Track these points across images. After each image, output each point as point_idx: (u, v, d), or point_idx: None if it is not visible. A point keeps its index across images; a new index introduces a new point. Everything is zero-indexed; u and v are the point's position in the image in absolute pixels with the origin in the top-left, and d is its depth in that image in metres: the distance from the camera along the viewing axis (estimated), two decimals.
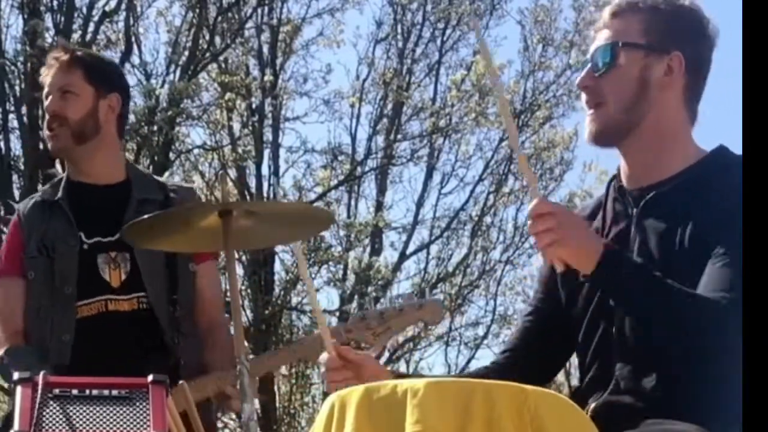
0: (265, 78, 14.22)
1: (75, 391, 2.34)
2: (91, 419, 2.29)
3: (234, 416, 10.24)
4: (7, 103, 12.67)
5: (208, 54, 13.87)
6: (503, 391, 1.98)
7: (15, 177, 12.72)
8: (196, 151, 14.46)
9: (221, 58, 14.26)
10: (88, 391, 2.34)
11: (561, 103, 15.79)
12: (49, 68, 3.60)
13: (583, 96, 2.61)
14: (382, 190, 15.52)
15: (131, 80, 13.11)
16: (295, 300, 14.91)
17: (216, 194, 13.63)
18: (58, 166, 3.83)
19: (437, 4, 15.60)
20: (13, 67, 12.64)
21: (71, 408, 2.30)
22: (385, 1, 15.63)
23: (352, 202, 15.44)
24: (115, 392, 2.34)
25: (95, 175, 3.57)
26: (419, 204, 15.46)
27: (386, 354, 15.16)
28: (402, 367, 15.88)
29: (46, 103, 3.59)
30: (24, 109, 12.50)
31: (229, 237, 2.64)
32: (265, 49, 14.64)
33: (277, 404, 14.90)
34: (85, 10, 13.09)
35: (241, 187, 14.54)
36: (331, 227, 12.99)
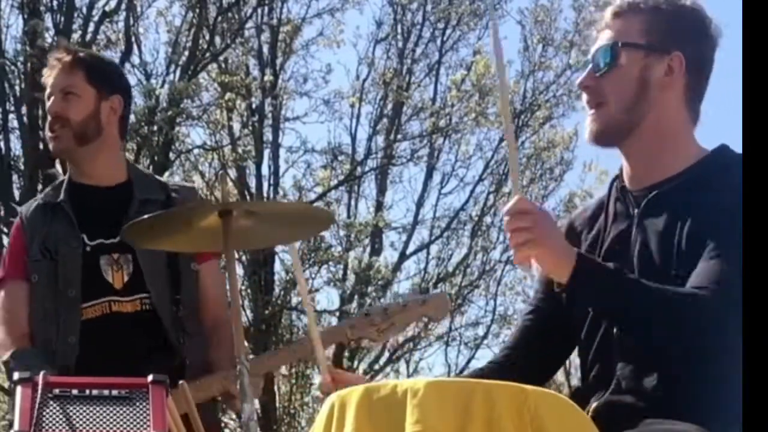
0: (265, 78, 14.23)
1: (75, 391, 2.34)
2: (91, 419, 2.29)
3: (234, 416, 10.24)
4: (7, 103, 12.67)
5: (208, 54, 13.87)
6: (503, 391, 1.98)
7: (15, 177, 12.72)
8: (196, 151, 14.47)
9: (221, 58, 14.27)
10: (88, 391, 2.34)
11: (561, 103, 15.81)
12: (51, 69, 3.59)
13: (584, 96, 2.62)
14: (382, 190, 15.53)
15: (131, 80, 13.11)
16: (295, 300, 14.90)
17: (216, 194, 13.62)
18: (58, 166, 3.83)
19: (437, 4, 15.61)
20: (13, 67, 12.64)
21: (71, 408, 2.30)
22: (385, 1, 15.66)
23: (352, 202, 15.46)
24: (115, 392, 2.34)
25: (97, 177, 3.57)
26: (419, 204, 15.48)
27: (386, 354, 15.18)
28: (402, 367, 15.90)
29: (48, 104, 3.58)
30: (24, 109, 12.50)
31: (229, 237, 2.64)
32: (265, 49, 14.64)
33: (277, 404, 14.91)
34: (85, 10, 13.11)
35: (241, 187, 14.55)
36: (331, 227, 12.99)
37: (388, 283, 14.68)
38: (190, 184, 7.44)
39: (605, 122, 2.57)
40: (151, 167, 12.55)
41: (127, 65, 13.19)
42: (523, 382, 2.02)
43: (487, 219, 15.68)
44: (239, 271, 13.76)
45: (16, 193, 12.46)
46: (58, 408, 2.30)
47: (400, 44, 15.54)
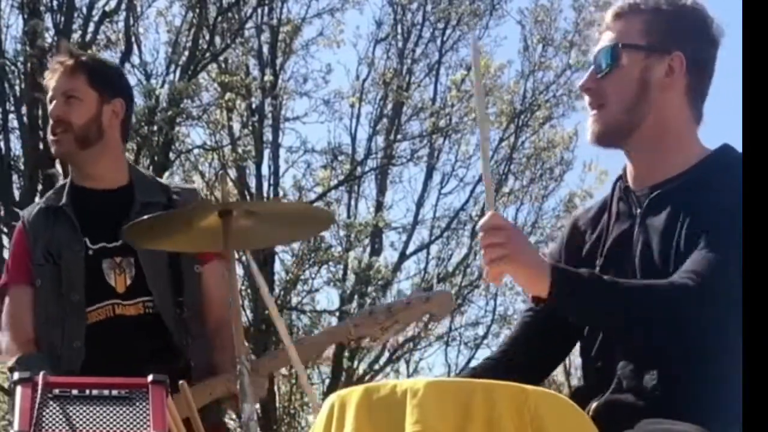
0: (265, 78, 14.23)
1: (75, 391, 2.34)
2: (91, 419, 2.29)
3: (234, 416, 10.24)
4: (7, 103, 12.67)
5: (208, 54, 13.87)
6: (503, 391, 1.98)
7: (15, 177, 12.72)
8: (196, 151, 14.47)
9: (221, 58, 14.26)
10: (87, 391, 2.34)
11: (561, 103, 15.80)
12: (53, 72, 3.59)
13: (586, 98, 2.62)
14: (382, 190, 15.52)
15: (131, 80, 13.11)
16: (295, 300, 14.91)
17: (216, 194, 13.62)
18: (58, 166, 3.84)
19: (437, 4, 15.60)
20: (13, 67, 12.64)
21: (71, 408, 2.30)
22: (385, 1, 15.66)
23: (352, 202, 15.45)
24: (115, 392, 2.35)
25: (99, 180, 3.57)
26: (419, 204, 15.48)
27: (386, 354, 15.18)
28: (402, 367, 15.89)
29: (50, 107, 3.59)
30: (24, 109, 12.50)
31: (229, 237, 2.64)
32: (265, 49, 14.64)
33: (277, 404, 14.90)
34: (85, 10, 13.10)
35: (241, 187, 14.55)
36: (331, 227, 13.00)
37: (388, 283, 14.68)
38: (192, 185, 7.44)
39: (606, 123, 2.58)
40: (151, 167, 12.55)
41: (127, 65, 13.19)
42: (520, 379, 2.02)
43: None
44: (239, 271, 13.76)
45: (16, 193, 12.46)
46: (58, 408, 2.30)
47: (400, 44, 15.55)
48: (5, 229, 11.99)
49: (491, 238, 2.33)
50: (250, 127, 14.39)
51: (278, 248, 13.75)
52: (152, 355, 3.39)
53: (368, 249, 15.18)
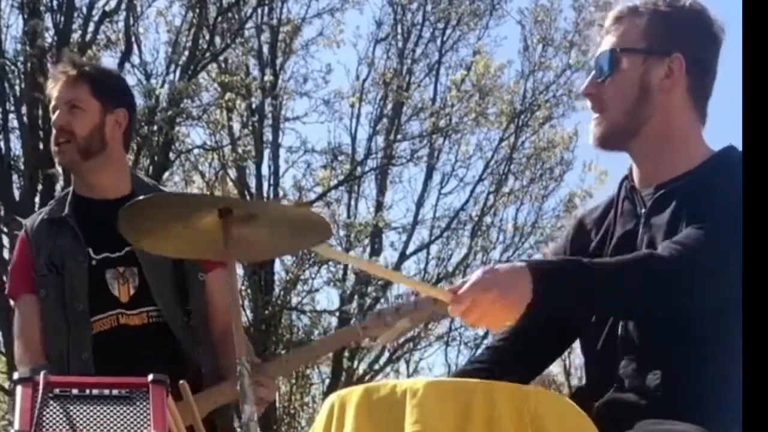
0: (265, 78, 14.23)
1: (75, 391, 2.33)
2: (91, 419, 2.29)
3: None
4: (7, 103, 12.67)
5: (208, 54, 13.87)
6: (503, 391, 1.99)
7: (15, 177, 12.72)
8: (196, 151, 14.47)
9: (221, 58, 14.27)
10: (88, 391, 2.34)
11: (561, 103, 15.79)
12: (55, 81, 3.59)
13: (588, 102, 2.63)
14: (382, 190, 15.52)
15: (131, 80, 13.13)
16: (295, 300, 14.92)
17: (216, 194, 13.61)
18: (57, 167, 3.84)
19: (437, 4, 15.60)
20: (13, 67, 12.63)
21: (71, 407, 2.30)
22: (385, 1, 15.66)
23: (352, 202, 15.45)
24: (115, 392, 2.34)
25: (101, 190, 3.56)
26: (419, 204, 15.47)
27: (386, 354, 15.18)
28: (402, 367, 15.90)
29: (53, 116, 3.58)
30: (24, 109, 12.50)
31: (229, 237, 2.63)
32: (265, 49, 14.64)
33: (277, 404, 14.90)
34: (85, 10, 13.10)
35: (241, 187, 14.55)
36: (332, 227, 12.98)
37: (388, 283, 14.68)
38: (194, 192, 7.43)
39: (608, 127, 2.59)
40: (151, 167, 12.57)
41: (127, 65, 13.21)
42: (519, 370, 2.02)
43: (487, 219, 15.68)
44: (239, 271, 13.76)
45: (16, 193, 12.46)
46: (58, 408, 2.30)
47: (400, 44, 15.55)
48: (5, 229, 11.99)
49: (469, 320, 2.33)
50: (250, 127, 14.39)
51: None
52: (159, 364, 3.38)
53: (368, 249, 15.18)
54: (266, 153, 14.63)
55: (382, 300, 14.61)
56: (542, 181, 15.93)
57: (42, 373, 2.35)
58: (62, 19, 12.80)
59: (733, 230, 2.30)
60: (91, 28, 13.10)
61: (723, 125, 3.26)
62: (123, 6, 13.30)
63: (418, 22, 15.62)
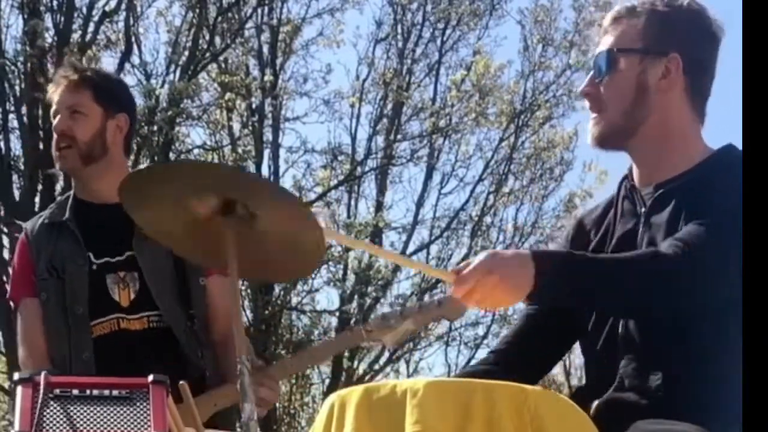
0: (265, 78, 14.23)
1: (75, 391, 2.33)
2: (91, 419, 2.29)
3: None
4: (7, 103, 12.67)
5: (208, 54, 13.88)
6: (503, 391, 1.99)
7: (15, 177, 12.72)
8: (196, 151, 14.46)
9: (221, 58, 14.27)
10: (88, 391, 2.34)
11: (561, 103, 15.80)
12: (57, 86, 3.59)
13: (587, 102, 2.64)
14: (382, 190, 15.52)
15: (131, 80, 13.14)
16: (295, 300, 14.92)
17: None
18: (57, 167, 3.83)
19: (437, 4, 15.61)
20: (13, 67, 12.64)
21: (72, 408, 2.30)
22: (385, 1, 15.66)
23: (352, 202, 15.46)
24: (115, 392, 2.34)
25: (102, 195, 3.55)
26: (419, 204, 15.48)
27: (386, 354, 15.18)
28: (402, 367, 15.90)
29: (54, 121, 3.58)
30: (24, 109, 12.50)
31: (230, 235, 2.62)
32: (265, 49, 14.64)
33: (277, 404, 14.90)
34: (85, 10, 13.10)
35: None
36: (331, 227, 12.99)
37: (388, 283, 14.69)
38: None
39: (606, 127, 2.60)
40: None
41: (127, 65, 13.22)
42: (522, 372, 2.03)
43: (487, 219, 15.69)
44: None
45: (16, 193, 12.46)
46: (58, 408, 2.30)
47: (400, 44, 15.55)
48: (5, 229, 11.99)
49: (473, 301, 2.36)
50: (250, 127, 14.39)
51: None
52: (160, 368, 3.38)
53: None
54: (266, 153, 14.64)
55: (382, 300, 14.62)
56: (542, 181, 15.95)
57: (42, 374, 2.35)
58: (62, 19, 12.80)
59: (733, 230, 2.30)
60: (91, 28, 13.11)
61: (723, 125, 3.26)
62: (123, 6, 13.31)
63: (418, 22, 15.64)
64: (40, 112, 11.93)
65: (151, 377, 2.37)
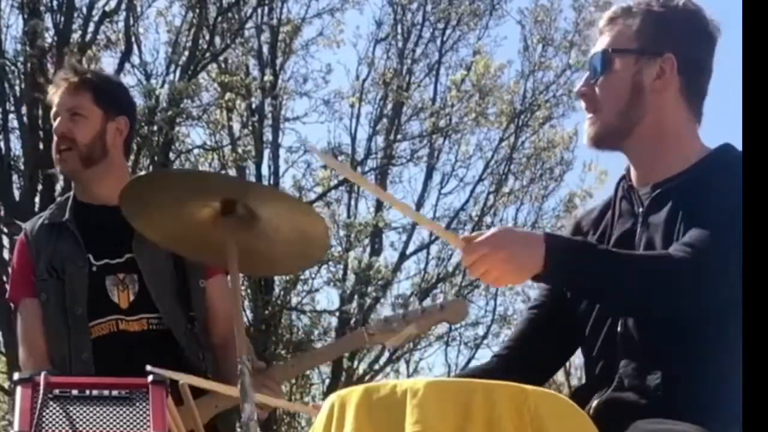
0: (265, 78, 14.23)
1: (75, 392, 2.34)
2: (91, 419, 2.29)
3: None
4: (7, 103, 12.67)
5: (208, 54, 13.88)
6: (503, 391, 1.99)
7: (15, 177, 12.72)
8: (196, 151, 14.47)
9: (221, 58, 14.27)
10: (88, 392, 2.34)
11: (561, 103, 15.79)
12: (57, 88, 3.59)
13: (582, 102, 2.64)
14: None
15: (131, 80, 13.15)
16: (295, 300, 14.91)
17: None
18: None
19: (437, 4, 15.60)
20: (13, 67, 12.64)
21: (71, 408, 2.30)
22: (385, 1, 15.65)
23: (352, 202, 15.45)
24: (115, 392, 2.35)
25: (102, 197, 3.55)
26: (419, 204, 15.45)
27: (386, 354, 15.18)
28: (402, 367, 15.90)
29: (54, 123, 3.58)
30: (24, 109, 12.50)
31: (230, 235, 2.62)
32: (265, 49, 14.64)
33: None
34: (85, 10, 13.10)
35: None
36: (332, 227, 12.99)
37: (388, 283, 14.67)
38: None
39: (601, 127, 2.61)
40: (151, 167, 12.56)
41: (127, 65, 13.22)
42: (525, 375, 2.02)
43: (487, 219, 15.66)
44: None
45: (16, 193, 12.46)
46: (58, 408, 2.30)
47: (400, 44, 15.54)
48: (5, 229, 11.99)
49: (477, 272, 2.36)
50: (250, 127, 14.39)
51: None
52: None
53: (368, 249, 15.18)
54: (266, 153, 14.63)
55: (382, 300, 14.62)
56: (542, 181, 15.94)
57: (42, 374, 2.35)
58: (62, 19, 12.80)
59: (732, 229, 2.30)
60: (91, 28, 13.11)
61: (722, 125, 3.26)
62: (123, 6, 13.31)
63: (418, 22, 15.63)
64: (40, 112, 11.93)
65: (150, 378, 2.38)
